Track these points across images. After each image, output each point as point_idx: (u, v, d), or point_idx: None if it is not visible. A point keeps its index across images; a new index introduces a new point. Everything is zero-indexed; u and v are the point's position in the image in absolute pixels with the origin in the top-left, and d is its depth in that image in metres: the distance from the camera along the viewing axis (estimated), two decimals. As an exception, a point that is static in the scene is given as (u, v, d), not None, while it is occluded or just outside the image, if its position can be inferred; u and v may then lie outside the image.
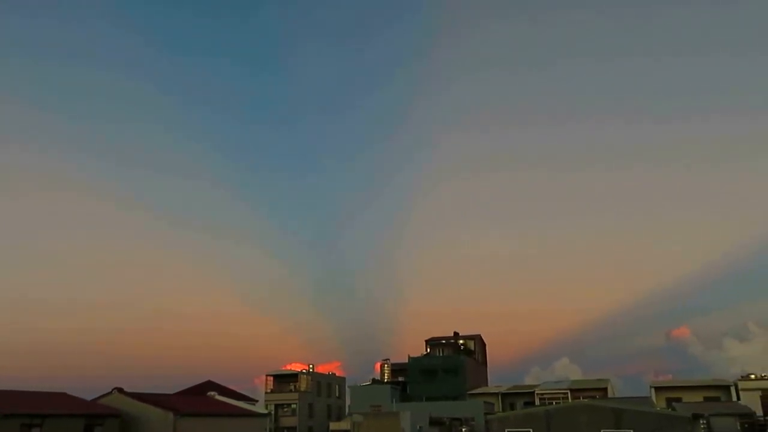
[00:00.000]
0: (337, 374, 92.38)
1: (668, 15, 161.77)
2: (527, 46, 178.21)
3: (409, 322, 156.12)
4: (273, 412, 75.00)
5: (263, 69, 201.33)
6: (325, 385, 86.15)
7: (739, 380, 64.44)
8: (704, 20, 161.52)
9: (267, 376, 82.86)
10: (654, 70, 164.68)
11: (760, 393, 55.97)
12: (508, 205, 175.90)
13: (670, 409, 52.60)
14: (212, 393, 58.91)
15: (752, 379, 64.33)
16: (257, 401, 72.14)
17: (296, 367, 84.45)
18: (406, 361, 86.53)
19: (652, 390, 65.87)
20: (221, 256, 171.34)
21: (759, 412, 52.29)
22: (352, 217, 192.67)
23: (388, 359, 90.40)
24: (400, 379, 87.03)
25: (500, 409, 72.64)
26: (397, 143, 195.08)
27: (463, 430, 62.66)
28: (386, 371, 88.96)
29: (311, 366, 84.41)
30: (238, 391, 69.94)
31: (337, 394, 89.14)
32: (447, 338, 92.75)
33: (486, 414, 61.77)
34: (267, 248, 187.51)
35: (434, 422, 59.71)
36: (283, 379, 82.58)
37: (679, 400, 61.14)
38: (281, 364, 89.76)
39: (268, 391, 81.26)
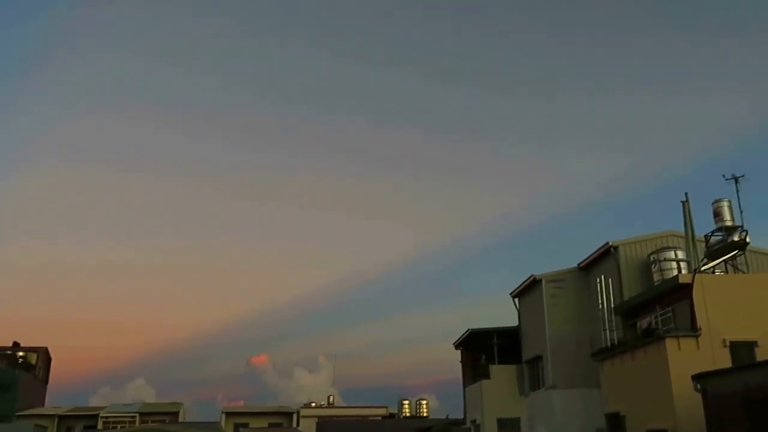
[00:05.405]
0: None
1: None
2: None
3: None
4: None
5: None
6: None
7: (301, 408, 70.70)
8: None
9: None
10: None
11: (316, 419, 61.98)
12: (94, 209, 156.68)
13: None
14: None
15: (312, 407, 71.19)
16: None
17: None
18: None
19: (223, 415, 67.51)
20: None
21: (314, 437, 57.66)
22: None
23: None
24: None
25: (55, 433, 65.17)
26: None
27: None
28: None
29: None
30: None
31: None
32: (4, 348, 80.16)
33: (37, 438, 54.51)
34: None
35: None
36: None
37: (247, 425, 63.61)
38: None
39: None
